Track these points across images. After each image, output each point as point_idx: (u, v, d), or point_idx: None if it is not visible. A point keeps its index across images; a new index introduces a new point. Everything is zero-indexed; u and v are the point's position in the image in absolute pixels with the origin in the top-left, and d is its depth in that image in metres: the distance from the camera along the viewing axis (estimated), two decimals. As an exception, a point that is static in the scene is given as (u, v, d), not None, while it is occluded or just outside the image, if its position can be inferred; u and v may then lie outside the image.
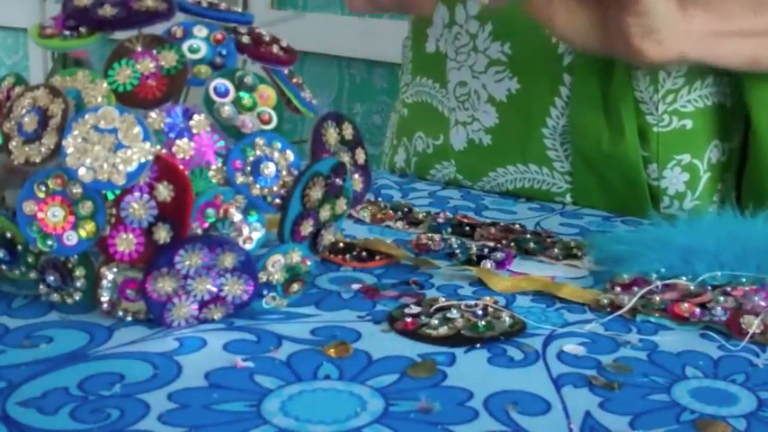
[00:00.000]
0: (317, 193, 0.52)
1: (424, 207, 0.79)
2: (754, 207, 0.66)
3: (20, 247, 0.51)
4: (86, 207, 0.48)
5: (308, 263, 0.53)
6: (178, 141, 0.49)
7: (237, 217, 0.50)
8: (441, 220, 0.73)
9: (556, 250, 0.66)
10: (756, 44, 0.70)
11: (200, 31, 0.54)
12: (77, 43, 0.52)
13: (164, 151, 0.49)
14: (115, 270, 0.49)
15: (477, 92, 0.86)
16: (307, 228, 0.53)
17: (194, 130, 0.50)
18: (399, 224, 0.73)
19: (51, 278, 0.50)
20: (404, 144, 0.95)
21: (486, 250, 0.65)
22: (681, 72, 0.78)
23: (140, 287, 0.49)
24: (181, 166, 0.49)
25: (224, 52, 0.54)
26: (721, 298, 0.55)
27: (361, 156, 0.57)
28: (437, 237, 0.68)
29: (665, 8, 0.66)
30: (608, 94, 0.79)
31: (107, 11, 0.51)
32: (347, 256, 0.64)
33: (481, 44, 0.85)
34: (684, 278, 0.57)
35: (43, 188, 0.48)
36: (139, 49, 0.51)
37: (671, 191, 0.81)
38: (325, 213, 0.54)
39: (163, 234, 0.48)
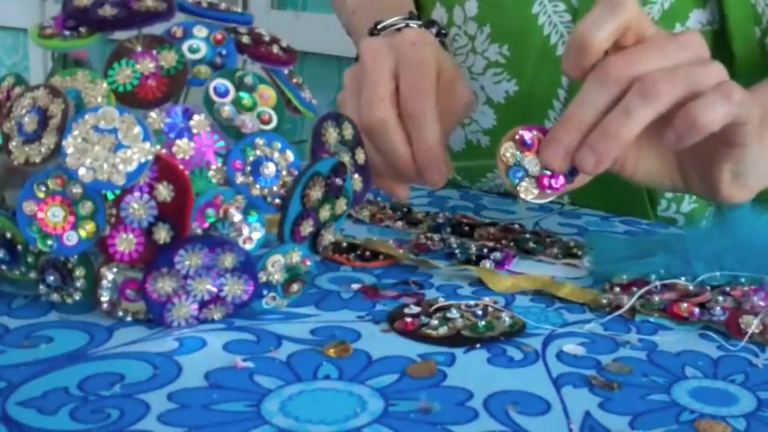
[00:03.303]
0: (316, 193, 0.52)
1: (424, 207, 0.79)
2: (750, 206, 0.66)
3: (20, 247, 0.51)
4: (86, 207, 0.48)
5: (308, 263, 0.53)
6: (178, 141, 0.49)
7: (237, 217, 0.50)
8: (440, 220, 0.73)
9: (555, 249, 0.66)
10: None
11: (200, 31, 0.54)
12: (77, 43, 0.52)
13: (164, 151, 0.49)
14: (115, 270, 0.49)
15: (475, 93, 0.86)
16: (307, 228, 0.53)
17: (194, 130, 0.50)
18: (399, 224, 0.73)
19: (51, 278, 0.50)
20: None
21: (485, 250, 0.65)
22: None
23: (140, 287, 0.49)
24: (181, 166, 0.49)
25: (224, 52, 0.54)
26: (720, 298, 0.55)
27: (360, 156, 0.57)
28: (436, 237, 0.68)
29: (758, 152, 0.59)
30: None
31: (107, 11, 0.51)
32: (351, 255, 0.64)
33: (479, 46, 0.84)
34: (683, 278, 0.57)
35: (43, 188, 0.48)
36: (139, 49, 0.51)
37: (669, 194, 0.81)
38: (324, 213, 0.54)
39: (163, 234, 0.48)
